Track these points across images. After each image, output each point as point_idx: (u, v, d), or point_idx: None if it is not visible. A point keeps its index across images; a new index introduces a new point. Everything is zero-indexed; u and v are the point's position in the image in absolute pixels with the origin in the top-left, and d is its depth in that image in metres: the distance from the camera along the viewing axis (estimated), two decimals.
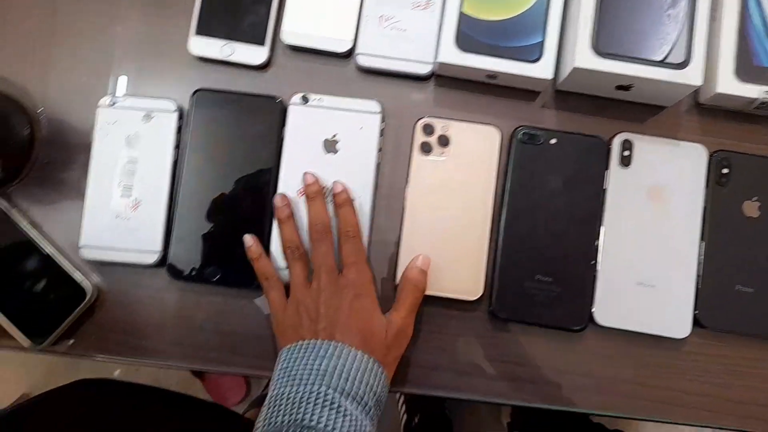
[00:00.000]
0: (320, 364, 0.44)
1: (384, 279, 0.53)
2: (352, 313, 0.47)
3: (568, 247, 0.52)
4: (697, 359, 0.52)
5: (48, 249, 0.53)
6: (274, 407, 0.42)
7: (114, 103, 0.54)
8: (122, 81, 0.56)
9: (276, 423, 0.41)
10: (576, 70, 0.50)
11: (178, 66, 0.56)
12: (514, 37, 0.52)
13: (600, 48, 0.49)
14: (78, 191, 0.54)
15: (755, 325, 0.51)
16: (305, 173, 0.51)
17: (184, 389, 1.33)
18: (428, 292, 0.51)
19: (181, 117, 0.54)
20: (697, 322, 0.51)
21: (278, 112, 0.53)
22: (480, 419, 1.32)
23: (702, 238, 0.52)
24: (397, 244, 0.52)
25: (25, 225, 0.53)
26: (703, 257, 0.52)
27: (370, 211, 0.53)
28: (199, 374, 1.32)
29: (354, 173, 0.53)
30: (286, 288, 0.51)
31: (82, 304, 0.52)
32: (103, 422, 0.63)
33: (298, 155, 0.53)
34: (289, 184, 0.53)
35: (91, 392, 0.72)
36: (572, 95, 0.55)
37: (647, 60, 0.49)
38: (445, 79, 0.55)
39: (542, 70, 0.51)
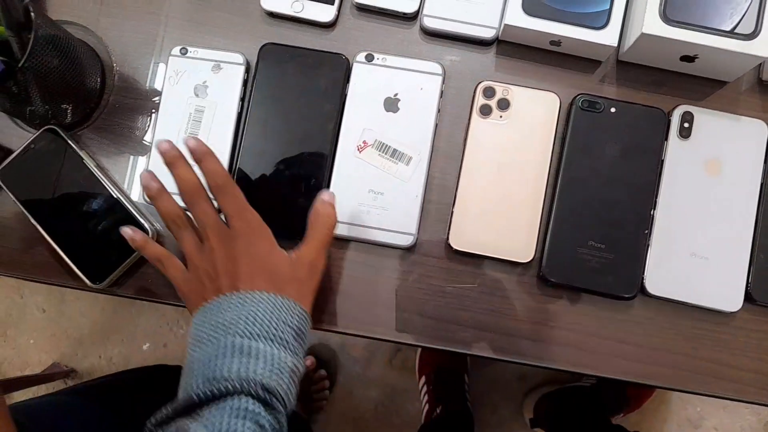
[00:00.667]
0: (225, 318, 0.42)
1: (439, 239, 0.54)
2: (250, 259, 0.46)
3: (623, 215, 0.52)
4: (746, 334, 0.52)
5: (113, 191, 0.54)
6: (189, 375, 0.41)
7: (185, 53, 0.56)
8: (193, 34, 0.57)
9: (191, 385, 0.40)
10: (643, 37, 0.50)
11: (248, 20, 0.57)
12: (580, 3, 0.52)
13: (669, 15, 0.49)
14: (144, 138, 0.56)
15: None
16: (159, 142, 0.47)
17: None
18: (480, 252, 0.52)
19: (248, 70, 0.56)
20: (748, 296, 0.51)
21: (343, 69, 0.55)
22: (501, 414, 1.31)
23: (758, 214, 0.52)
24: (452, 204, 0.53)
25: (93, 167, 0.55)
26: (758, 233, 0.51)
27: (426, 171, 0.54)
28: None
29: (413, 132, 0.54)
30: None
31: None
32: None
33: (360, 112, 0.54)
34: (350, 139, 0.54)
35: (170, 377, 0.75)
36: (633, 67, 0.56)
37: (716, 30, 0.49)
38: (508, 45, 0.56)
39: (608, 36, 0.52)
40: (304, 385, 1.27)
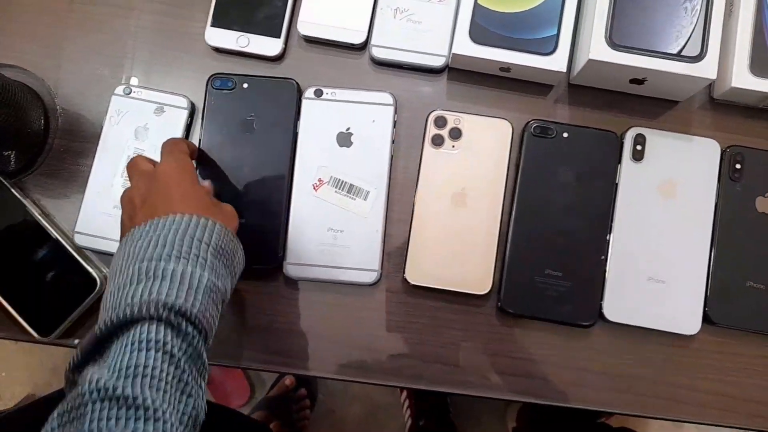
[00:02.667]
0: (134, 246, 0.39)
1: (400, 274, 0.53)
2: (168, 187, 0.43)
3: (579, 241, 0.52)
4: (706, 356, 0.52)
5: (59, 238, 0.53)
6: (102, 310, 0.39)
7: (128, 93, 0.54)
8: (138, 71, 0.56)
9: (102, 323, 0.36)
10: (591, 62, 0.50)
11: (194, 57, 0.56)
12: (528, 29, 0.52)
13: (615, 40, 0.49)
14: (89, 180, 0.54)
15: (766, 322, 0.51)
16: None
17: None
18: (437, 286, 0.51)
19: (191, 114, 0.54)
20: (707, 318, 0.51)
21: (294, 95, 0.54)
22: (484, 425, 1.31)
23: (713, 234, 0.52)
24: (407, 238, 0.52)
25: (37, 214, 0.53)
26: (714, 253, 0.51)
27: (385, 204, 0.53)
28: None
29: (368, 166, 0.53)
30: None
31: (91, 296, 0.52)
32: None
33: (313, 149, 0.53)
34: (304, 178, 0.53)
35: None
36: (585, 90, 0.55)
37: (662, 53, 0.49)
38: (458, 72, 0.56)
39: (556, 62, 0.51)
40: (285, 405, 1.26)
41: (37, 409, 0.68)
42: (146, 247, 0.39)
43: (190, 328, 0.36)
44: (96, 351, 0.36)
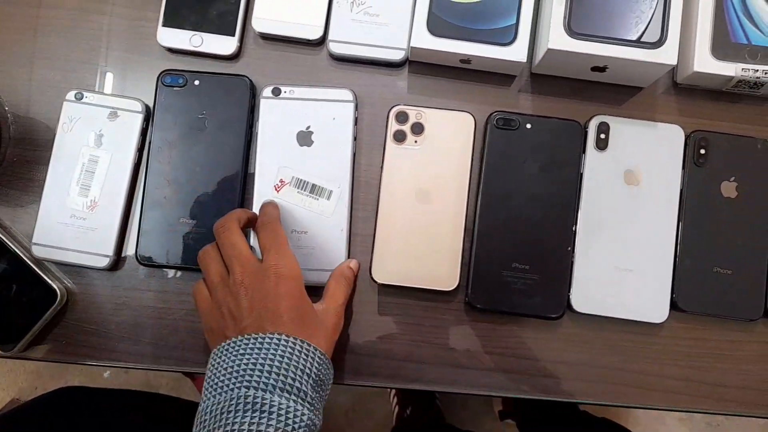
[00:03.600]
0: (240, 363, 0.40)
1: (363, 272, 0.52)
2: (279, 298, 0.43)
3: (545, 233, 0.51)
4: (675, 343, 0.52)
5: (18, 251, 0.52)
6: (200, 424, 0.39)
7: (80, 98, 0.53)
8: (90, 75, 0.54)
9: None
10: (550, 52, 0.49)
11: (147, 58, 0.55)
12: (487, 19, 0.51)
13: (574, 28, 0.48)
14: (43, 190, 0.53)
15: (733, 307, 0.51)
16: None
17: (174, 389, 1.33)
18: (404, 284, 0.51)
19: (147, 118, 0.53)
20: (674, 305, 0.51)
21: (248, 93, 0.53)
22: (472, 409, 1.32)
23: (679, 221, 0.51)
24: (373, 236, 0.51)
25: None
26: (680, 240, 0.51)
27: (348, 203, 0.52)
28: (189, 374, 1.32)
29: (330, 165, 0.52)
30: None
31: (52, 308, 0.51)
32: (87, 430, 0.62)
33: (273, 149, 0.52)
34: (265, 179, 0.52)
35: (75, 400, 0.72)
36: (548, 78, 0.55)
37: (622, 40, 0.48)
38: (419, 65, 0.54)
39: (516, 52, 0.50)
40: None
41: (23, 413, 0.68)
42: (252, 370, 0.39)
43: None
44: None
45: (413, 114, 0.52)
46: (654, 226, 0.51)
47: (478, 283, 0.51)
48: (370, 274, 0.51)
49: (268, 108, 0.52)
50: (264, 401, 0.38)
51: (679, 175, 0.52)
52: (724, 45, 0.51)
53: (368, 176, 0.53)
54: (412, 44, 0.51)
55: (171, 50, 0.54)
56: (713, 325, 0.52)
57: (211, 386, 0.40)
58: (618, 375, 0.52)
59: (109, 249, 0.51)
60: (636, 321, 0.51)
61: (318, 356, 0.42)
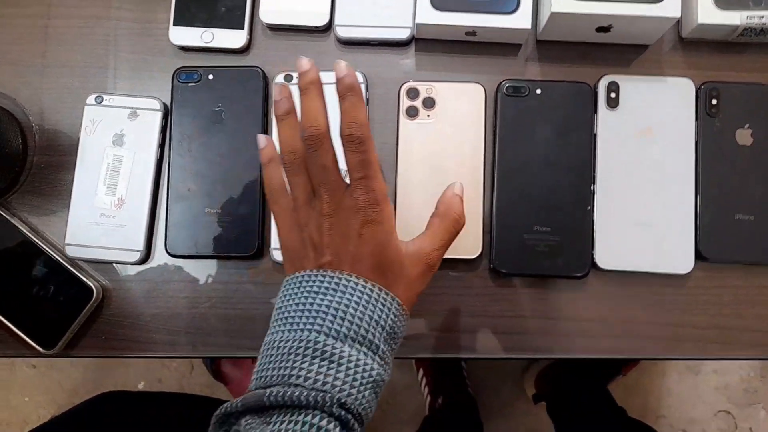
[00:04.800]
0: (313, 302, 0.38)
1: None
2: (362, 241, 0.40)
3: (564, 194, 0.52)
4: (702, 293, 0.52)
5: (51, 253, 0.53)
6: (265, 357, 0.38)
7: (100, 101, 0.54)
8: (108, 79, 0.56)
9: (266, 377, 0.37)
10: (554, 15, 0.50)
11: (161, 58, 0.56)
12: None
13: None
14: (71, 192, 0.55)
15: (758, 252, 0.51)
16: (299, 58, 0.42)
17: (209, 395, 1.35)
18: None
19: (165, 115, 0.55)
20: (699, 255, 0.51)
21: (260, 83, 0.54)
22: (504, 395, 1.32)
23: (697, 172, 0.52)
24: (394, 209, 0.52)
25: (27, 232, 0.54)
26: (700, 190, 0.51)
27: None
28: (222, 379, 1.34)
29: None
30: None
31: (89, 305, 0.53)
32: None
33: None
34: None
35: (116, 405, 0.73)
36: (555, 44, 0.55)
37: None
38: (426, 42, 0.55)
39: (520, 20, 0.51)
40: None
41: (66, 420, 0.69)
42: (326, 313, 0.37)
43: (355, 425, 0.36)
44: (258, 409, 0.37)
45: (424, 89, 0.53)
46: (672, 179, 0.52)
47: (501, 248, 0.52)
48: None
49: None
50: (334, 350, 0.36)
51: (693, 126, 0.52)
52: None
53: (384, 153, 0.54)
54: (417, 20, 0.52)
55: (183, 48, 0.56)
56: (739, 271, 0.52)
57: (281, 319, 0.39)
58: (648, 328, 0.52)
59: (139, 244, 0.53)
60: (662, 274, 0.51)
61: (395, 307, 0.39)
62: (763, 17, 0.50)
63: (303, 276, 0.40)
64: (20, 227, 0.54)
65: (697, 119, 0.52)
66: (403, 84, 0.53)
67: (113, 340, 0.54)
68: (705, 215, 0.51)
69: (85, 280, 0.53)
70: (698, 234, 0.51)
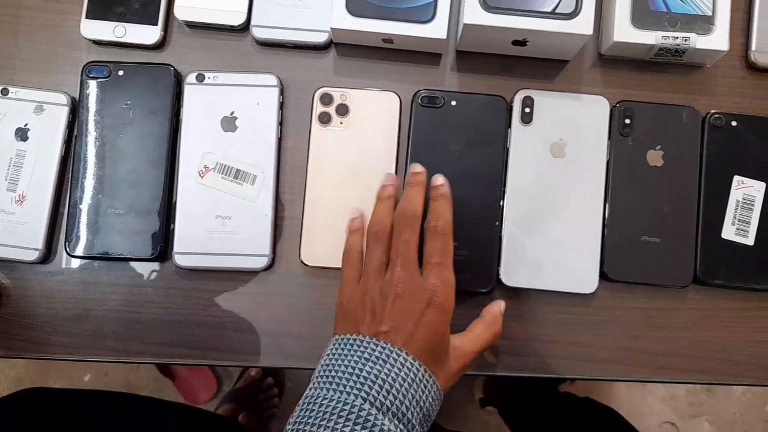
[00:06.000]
0: (362, 368, 0.39)
1: (296, 256, 0.52)
2: (422, 323, 0.41)
3: (473, 209, 0.51)
4: (606, 313, 0.52)
5: None
6: (307, 410, 0.39)
7: (6, 93, 0.53)
8: (16, 71, 0.55)
9: (305, 431, 0.38)
10: (467, 27, 0.49)
11: (72, 51, 0.55)
12: None
13: (489, 3, 0.48)
14: None
15: (662, 275, 0.51)
16: (415, 164, 0.48)
17: (156, 390, 1.34)
18: (334, 265, 0.51)
19: (73, 111, 0.53)
20: (604, 275, 0.51)
21: (171, 82, 0.53)
22: (455, 399, 1.32)
23: (606, 191, 0.51)
24: (301, 219, 0.51)
25: None
26: (608, 210, 0.51)
27: (273, 188, 0.52)
28: (169, 374, 1.32)
29: (255, 149, 0.52)
30: None
31: None
32: None
33: (197, 135, 0.52)
34: (190, 165, 0.52)
35: (35, 402, 0.72)
36: (476, 56, 0.54)
37: (537, 12, 0.48)
38: (344, 47, 0.54)
39: (435, 29, 0.50)
40: (253, 396, 1.26)
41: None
42: (374, 382, 0.38)
43: None
44: None
45: (338, 95, 0.52)
46: (581, 197, 0.51)
47: None
48: (299, 257, 0.51)
49: (192, 94, 0.52)
50: (376, 421, 0.37)
51: (606, 145, 0.52)
52: (643, 14, 0.51)
53: (296, 159, 0.53)
54: (331, 25, 0.51)
55: (96, 42, 0.54)
56: (644, 293, 0.52)
57: (328, 377, 0.40)
58: (552, 347, 0.52)
59: (39, 242, 0.52)
60: (567, 293, 0.51)
61: (434, 391, 0.41)
62: (677, 38, 0.50)
63: (356, 339, 0.41)
64: None
65: (610, 138, 0.52)
66: (317, 89, 0.53)
67: (10, 340, 0.53)
68: (611, 235, 0.51)
69: None
70: (604, 254, 0.51)
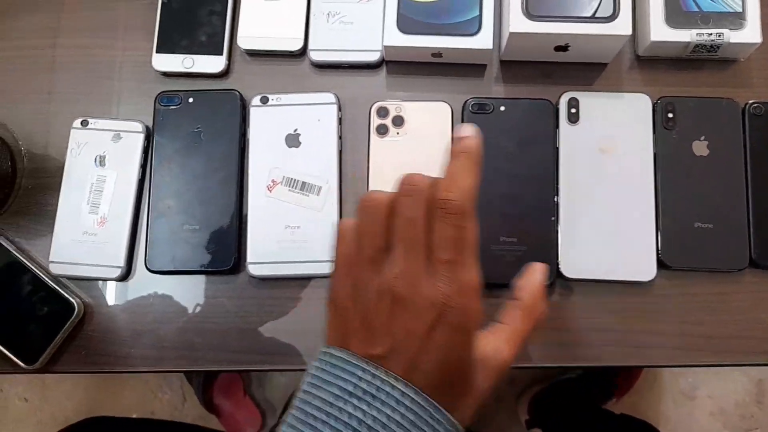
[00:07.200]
0: (343, 407, 0.29)
1: None
2: (431, 346, 0.30)
3: (528, 207, 0.54)
4: (665, 300, 0.53)
5: (36, 271, 0.55)
6: None
7: (86, 125, 0.57)
8: (93, 105, 0.59)
9: None
10: (512, 36, 0.52)
11: (144, 84, 0.59)
12: (452, 13, 0.54)
13: (531, 11, 0.52)
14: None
15: (718, 259, 0.52)
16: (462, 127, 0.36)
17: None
18: None
19: (147, 137, 0.57)
20: (661, 263, 0.52)
21: (238, 106, 0.57)
22: (499, 422, 1.31)
23: (656, 183, 0.53)
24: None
25: (12, 250, 0.55)
26: (660, 200, 0.53)
27: (337, 197, 0.55)
28: (214, 411, 1.33)
29: (318, 163, 0.55)
30: None
31: (70, 320, 0.54)
32: None
33: (263, 153, 0.56)
34: (258, 180, 0.55)
35: (102, 429, 0.74)
36: (519, 65, 0.58)
37: (577, 17, 0.51)
38: (395, 64, 0.58)
39: (482, 41, 0.54)
40: None
41: None
42: (360, 423, 0.29)
43: None
44: None
45: (393, 108, 0.56)
46: (632, 189, 0.54)
47: None
48: None
49: (257, 115, 0.56)
50: None
51: (651, 139, 0.54)
52: (677, 14, 0.54)
53: (356, 171, 0.56)
54: (384, 43, 0.55)
55: (165, 74, 0.59)
56: (701, 279, 0.53)
57: (303, 410, 0.30)
58: (613, 337, 0.53)
59: (120, 260, 0.55)
60: (625, 281, 0.53)
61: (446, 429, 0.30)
62: (711, 35, 0.53)
63: (342, 361, 0.31)
64: (6, 246, 0.56)
65: (654, 132, 0.54)
66: (373, 103, 0.56)
67: (95, 355, 0.55)
68: (666, 224, 0.53)
69: (66, 296, 0.54)
70: (659, 242, 0.53)
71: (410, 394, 0.29)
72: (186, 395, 1.37)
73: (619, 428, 0.99)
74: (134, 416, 1.36)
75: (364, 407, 0.29)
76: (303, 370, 0.53)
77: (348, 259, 0.34)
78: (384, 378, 0.29)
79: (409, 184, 0.33)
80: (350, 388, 0.30)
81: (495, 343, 0.34)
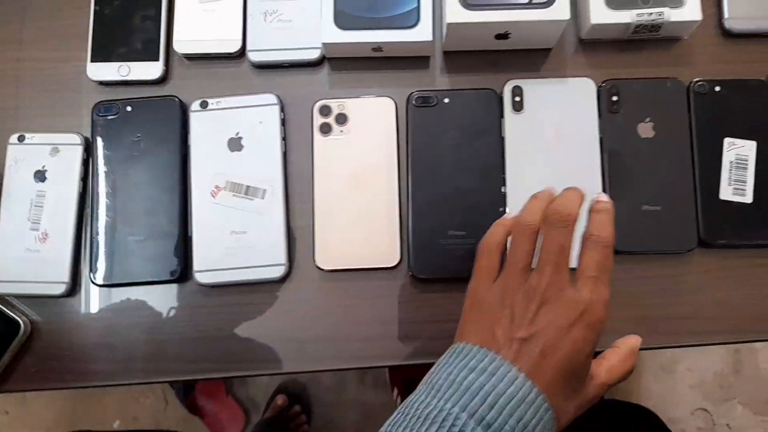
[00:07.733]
0: (465, 377, 0.36)
1: (312, 263, 0.54)
2: (567, 339, 0.37)
3: (476, 199, 0.53)
4: (619, 284, 0.51)
5: None
6: (403, 414, 0.37)
7: (23, 140, 0.56)
8: (29, 118, 0.57)
9: None
10: (451, 27, 0.51)
11: (81, 94, 0.58)
12: (390, 7, 0.53)
13: (469, 1, 0.51)
14: None
15: (668, 241, 0.52)
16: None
17: (185, 429, 1.34)
18: (348, 267, 0.53)
19: (87, 149, 0.56)
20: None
21: (178, 111, 0.56)
22: None
23: (603, 167, 0.53)
24: (312, 226, 0.53)
25: None
26: (607, 184, 0.53)
27: (283, 200, 0.54)
28: (197, 412, 1.33)
29: (262, 166, 0.54)
30: None
31: (17, 339, 0.53)
32: None
33: (206, 158, 0.55)
34: (202, 187, 0.54)
35: None
36: (461, 55, 0.57)
37: (515, 4, 0.51)
38: (336, 60, 0.57)
39: (421, 33, 0.53)
40: (283, 424, 1.26)
41: None
42: (475, 392, 0.35)
43: None
44: None
45: (336, 106, 0.55)
46: (579, 175, 0.53)
47: (418, 255, 0.53)
48: (315, 262, 0.53)
49: (197, 121, 0.55)
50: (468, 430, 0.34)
51: (597, 124, 0.54)
52: None
53: (301, 171, 0.55)
54: (322, 40, 0.53)
55: (102, 83, 0.57)
56: (653, 261, 0.53)
57: (429, 382, 0.38)
58: None
59: (65, 276, 0.54)
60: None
61: (546, 420, 0.36)
62: (651, 14, 0.52)
63: (463, 347, 0.39)
64: None
65: (600, 116, 0.54)
66: (316, 102, 0.55)
67: (48, 372, 0.54)
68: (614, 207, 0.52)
69: (12, 314, 0.53)
70: None
71: (521, 377, 0.36)
72: (168, 398, 1.36)
73: (618, 415, 0.99)
74: (115, 425, 1.36)
75: (474, 375, 0.36)
76: (257, 375, 0.53)
77: (493, 266, 0.42)
78: (491, 355, 0.37)
79: (562, 214, 0.40)
80: (467, 360, 0.37)
81: (596, 368, 0.40)
